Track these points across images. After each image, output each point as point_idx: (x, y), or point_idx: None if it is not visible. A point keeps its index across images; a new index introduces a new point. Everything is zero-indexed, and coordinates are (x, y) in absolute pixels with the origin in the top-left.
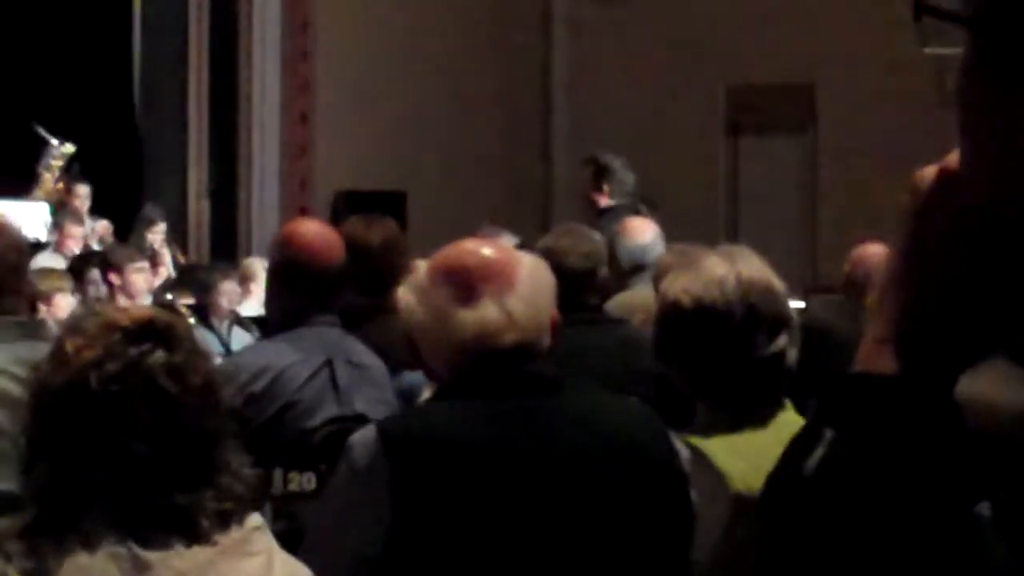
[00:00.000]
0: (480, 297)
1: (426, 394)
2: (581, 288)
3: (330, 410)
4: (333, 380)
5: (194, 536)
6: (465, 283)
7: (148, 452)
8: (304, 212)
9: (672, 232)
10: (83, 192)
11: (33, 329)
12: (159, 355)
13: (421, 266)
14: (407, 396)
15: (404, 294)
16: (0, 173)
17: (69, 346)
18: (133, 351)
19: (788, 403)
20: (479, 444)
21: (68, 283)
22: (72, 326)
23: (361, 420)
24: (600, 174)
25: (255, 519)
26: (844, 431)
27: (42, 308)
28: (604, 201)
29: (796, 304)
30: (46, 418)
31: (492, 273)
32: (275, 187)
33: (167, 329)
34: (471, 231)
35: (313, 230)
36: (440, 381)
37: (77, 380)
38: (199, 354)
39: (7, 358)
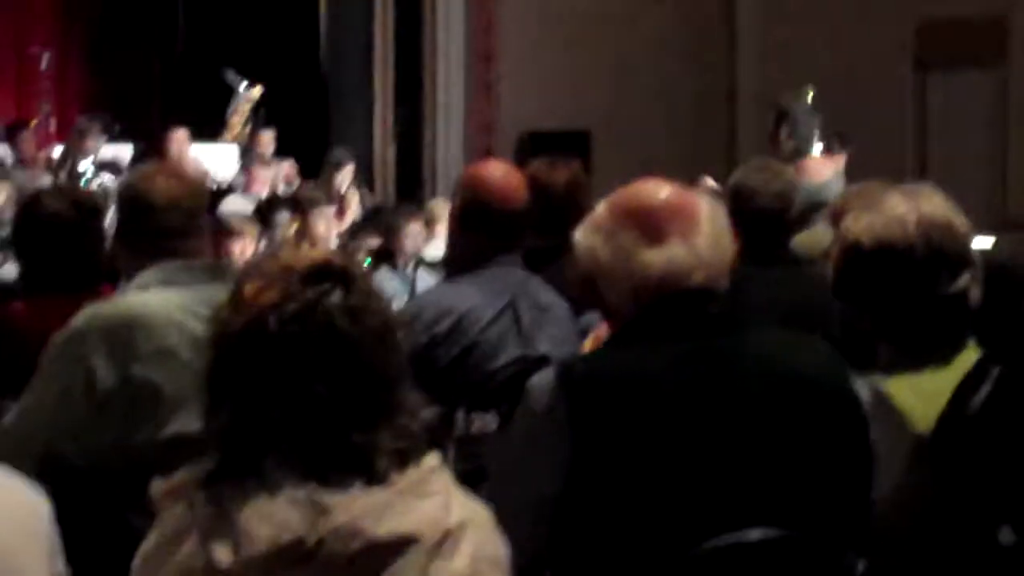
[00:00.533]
0: (667, 237)
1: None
2: (770, 227)
3: (513, 351)
4: (516, 321)
5: (372, 476)
6: (651, 223)
7: (326, 393)
8: (488, 153)
9: (860, 169)
10: (268, 136)
11: (219, 271)
12: (336, 296)
13: (600, 207)
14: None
15: (584, 235)
16: (192, 117)
17: (247, 289)
18: (310, 293)
19: (972, 342)
20: (663, 384)
21: (254, 225)
22: (250, 269)
23: (544, 361)
24: (780, 119)
25: (432, 459)
26: (1010, 367)
27: (233, 249)
28: (785, 144)
29: (985, 241)
30: (226, 361)
31: (677, 213)
32: (459, 128)
33: (344, 271)
34: (656, 171)
35: (496, 171)
36: (620, 321)
37: (255, 322)
38: (375, 295)
39: (194, 299)
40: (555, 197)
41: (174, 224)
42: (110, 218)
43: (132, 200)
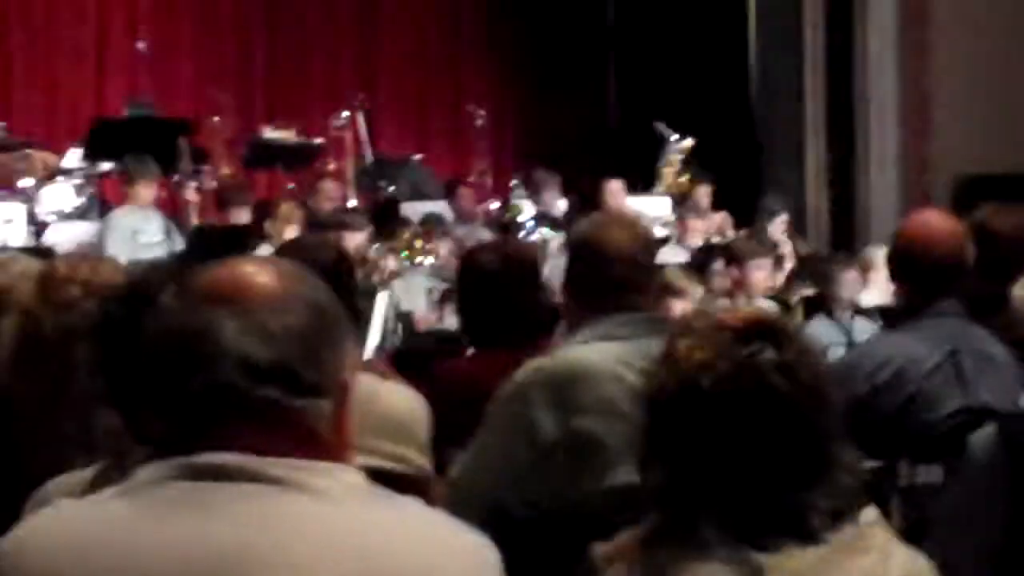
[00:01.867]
0: None
1: None
2: None
3: (955, 401)
4: (958, 370)
5: (806, 536)
6: None
7: (759, 452)
8: (924, 199)
9: None
10: (704, 188)
11: (659, 325)
12: (769, 354)
13: None
14: None
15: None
16: (625, 170)
17: (681, 347)
18: (743, 351)
19: None
20: None
21: (692, 279)
22: (683, 327)
23: (987, 411)
24: None
25: (870, 513)
26: None
27: (675, 308)
28: None
29: None
30: (660, 419)
31: None
32: (894, 173)
33: (776, 328)
34: None
35: (932, 219)
36: None
37: (689, 382)
38: (809, 351)
39: (632, 352)
40: (1001, 243)
41: (627, 278)
42: (548, 270)
43: (586, 251)
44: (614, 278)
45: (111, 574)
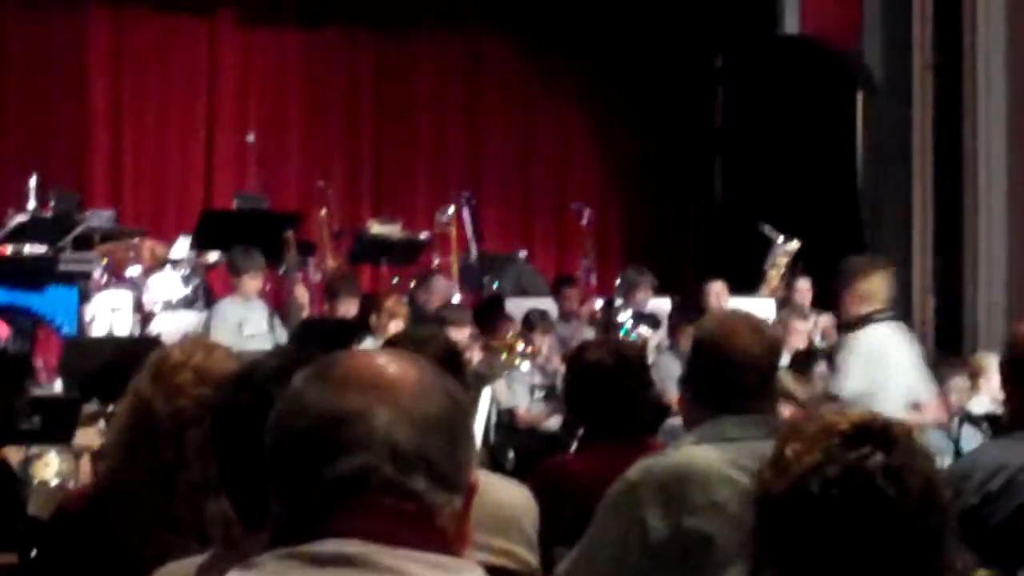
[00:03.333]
0: None
1: None
2: None
3: None
4: None
5: None
6: None
7: (869, 556)
8: None
9: None
10: (804, 286)
11: (772, 427)
12: (877, 458)
13: None
14: None
15: None
16: (731, 271)
17: (789, 451)
18: (852, 455)
19: None
20: None
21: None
22: (792, 430)
23: None
24: None
25: None
26: None
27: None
28: None
29: None
30: (769, 522)
31: None
32: (1002, 279)
33: (885, 431)
34: None
35: None
36: None
37: (798, 485)
38: (919, 455)
39: (743, 454)
40: None
41: (749, 383)
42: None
43: (713, 352)
44: (739, 382)
45: None
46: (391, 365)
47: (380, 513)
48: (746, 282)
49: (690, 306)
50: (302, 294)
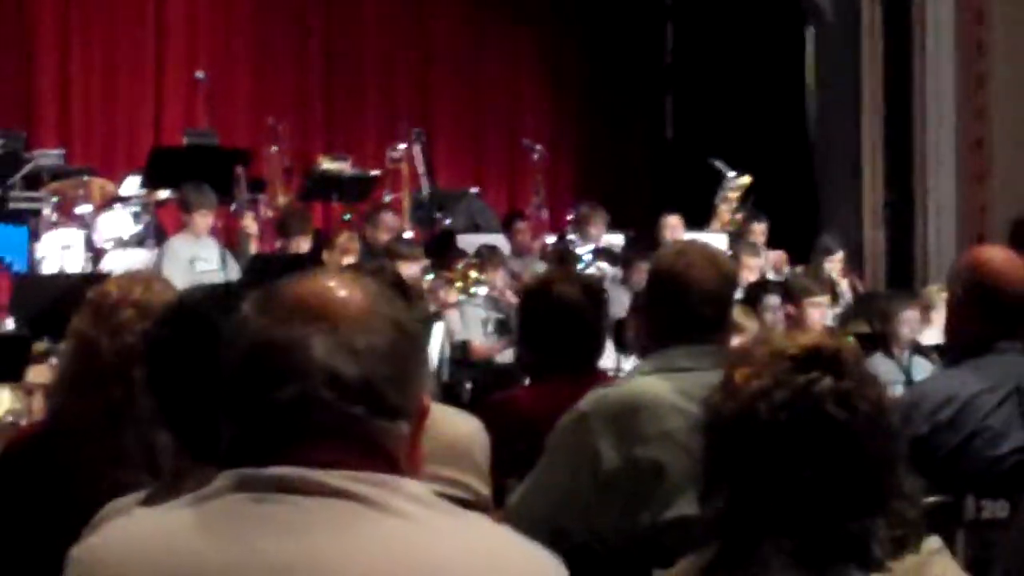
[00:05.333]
0: None
1: None
2: None
3: (1018, 438)
4: (1021, 408)
5: (868, 563)
6: None
7: (818, 479)
8: (980, 240)
9: None
10: (760, 227)
11: (720, 357)
12: (826, 382)
13: None
14: None
15: None
16: (681, 206)
17: (738, 376)
18: (801, 379)
19: None
20: None
21: (748, 315)
22: (741, 355)
23: None
24: None
25: (933, 543)
26: None
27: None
28: None
29: None
30: (719, 447)
31: None
32: (951, 214)
33: (834, 356)
34: None
35: (1000, 256)
36: None
37: (747, 409)
38: (868, 379)
39: (693, 384)
40: None
41: (705, 314)
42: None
43: (669, 284)
44: (695, 313)
45: None
46: (339, 291)
47: (324, 438)
48: (698, 217)
49: (643, 241)
50: (252, 227)
